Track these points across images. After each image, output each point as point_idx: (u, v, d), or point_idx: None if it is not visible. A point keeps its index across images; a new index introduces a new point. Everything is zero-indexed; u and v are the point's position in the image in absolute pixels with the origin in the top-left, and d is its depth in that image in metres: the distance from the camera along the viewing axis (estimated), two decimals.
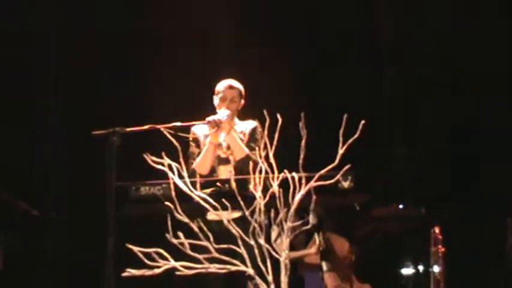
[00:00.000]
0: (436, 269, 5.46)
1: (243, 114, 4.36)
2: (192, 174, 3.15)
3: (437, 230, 5.51)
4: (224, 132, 4.13)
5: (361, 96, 6.66)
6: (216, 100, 4.33)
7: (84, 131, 3.83)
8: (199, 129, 4.28)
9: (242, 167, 3.84)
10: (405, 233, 6.05)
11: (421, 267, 5.94)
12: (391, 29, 6.95)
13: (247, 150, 4.12)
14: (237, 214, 3.14)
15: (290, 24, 6.70)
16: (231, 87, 4.32)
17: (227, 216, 3.09)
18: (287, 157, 3.12)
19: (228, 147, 4.21)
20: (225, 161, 4.21)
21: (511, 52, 6.55)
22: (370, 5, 6.95)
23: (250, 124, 4.31)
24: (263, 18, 6.64)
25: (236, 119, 4.33)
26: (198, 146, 4.26)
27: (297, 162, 3.08)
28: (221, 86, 4.33)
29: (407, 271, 6.37)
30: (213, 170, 4.16)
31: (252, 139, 4.25)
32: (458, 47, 6.67)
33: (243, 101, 4.36)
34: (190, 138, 4.24)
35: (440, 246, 5.48)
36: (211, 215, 3.16)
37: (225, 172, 4.12)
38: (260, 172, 3.12)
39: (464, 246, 6.00)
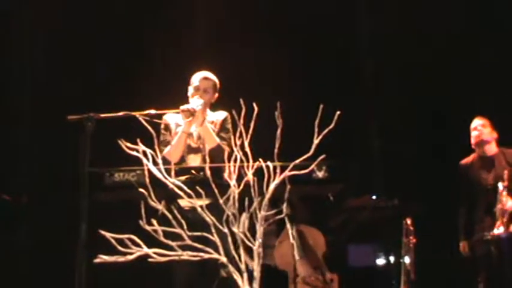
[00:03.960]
0: (407, 259, 5.52)
1: (222, 104, 4.36)
2: (163, 162, 3.13)
3: (409, 222, 5.57)
4: (197, 123, 4.13)
5: (337, 87, 6.69)
6: (190, 90, 4.34)
7: (59, 115, 3.80)
8: (171, 118, 4.28)
9: (214, 157, 3.84)
10: (378, 224, 6.10)
11: (392, 258, 5.99)
12: (368, 20, 6.98)
13: (218, 140, 4.13)
14: (207, 201, 3.14)
15: (268, 15, 6.71)
16: (205, 78, 4.35)
17: (199, 202, 3.09)
18: (262, 146, 3.13)
19: (199, 137, 4.22)
20: (195, 151, 4.22)
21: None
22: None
23: (221, 114, 4.33)
24: (240, 10, 6.63)
25: (208, 110, 4.34)
26: (170, 134, 4.26)
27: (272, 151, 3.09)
28: (196, 76, 4.36)
29: (379, 261, 6.43)
30: (182, 159, 4.17)
31: (223, 129, 4.26)
32: (435, 40, 6.72)
33: (216, 94, 4.37)
34: (162, 126, 4.24)
35: (411, 237, 5.54)
36: (184, 202, 3.16)
37: (194, 161, 4.14)
38: (235, 161, 3.12)
39: (434, 238, 6.07)
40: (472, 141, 5.46)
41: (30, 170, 6.53)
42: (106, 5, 6.59)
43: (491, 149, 5.45)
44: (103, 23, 6.55)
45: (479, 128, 5.43)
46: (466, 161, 5.54)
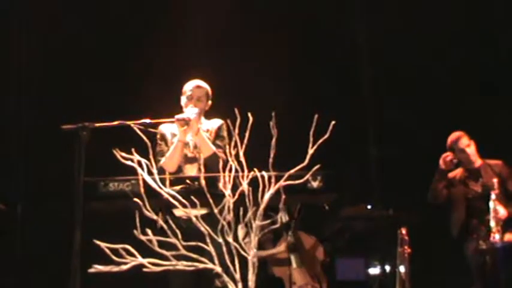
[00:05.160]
0: (402, 269, 5.53)
1: (217, 113, 4.37)
2: (159, 172, 3.13)
3: (404, 231, 5.58)
4: (192, 132, 4.13)
5: (332, 96, 6.69)
6: (183, 99, 4.34)
7: (54, 125, 3.80)
8: (167, 128, 4.28)
9: (210, 165, 3.84)
10: (372, 234, 6.10)
11: (387, 267, 5.99)
12: (365, 29, 7.00)
13: (214, 149, 4.13)
14: (203, 211, 3.14)
15: (262, 22, 6.71)
16: (198, 86, 4.35)
17: (194, 212, 3.09)
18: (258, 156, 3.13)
19: (195, 146, 4.22)
20: (192, 160, 4.21)
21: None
22: (344, 5, 7.00)
23: (216, 122, 4.33)
24: (235, 16, 6.64)
25: (202, 118, 4.34)
26: (166, 144, 4.26)
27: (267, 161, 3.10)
28: (189, 85, 4.36)
29: (374, 271, 6.43)
30: (179, 169, 4.16)
31: (218, 137, 4.26)
32: (431, 49, 6.74)
33: (210, 102, 4.37)
34: (158, 136, 4.24)
35: (406, 247, 5.55)
36: (179, 211, 3.15)
37: (191, 171, 4.14)
38: (230, 170, 3.12)
39: (429, 248, 6.07)
40: (466, 159, 5.58)
41: (25, 180, 6.51)
42: (105, 8, 6.59)
43: (477, 161, 5.61)
44: (101, 26, 6.56)
45: (471, 148, 5.57)
46: (453, 174, 5.65)
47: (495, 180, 5.32)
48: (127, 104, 5.81)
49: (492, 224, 5.18)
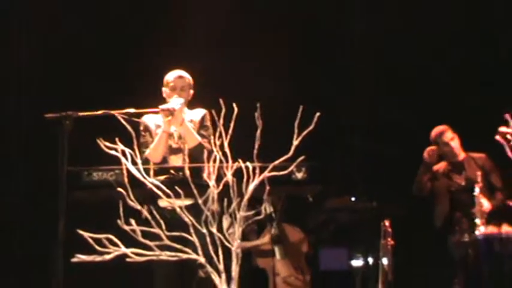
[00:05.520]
0: (384, 261, 5.56)
1: (202, 104, 4.36)
2: (144, 163, 3.12)
3: (387, 223, 5.61)
4: (177, 122, 4.11)
5: (319, 88, 6.70)
6: (166, 91, 4.32)
7: (37, 113, 3.77)
8: (150, 118, 4.26)
9: (195, 155, 3.83)
10: (356, 225, 6.12)
11: (370, 259, 6.02)
12: (351, 20, 6.99)
13: (199, 139, 4.12)
14: (187, 201, 3.13)
15: (251, 14, 6.70)
16: (180, 77, 4.33)
17: (178, 203, 3.08)
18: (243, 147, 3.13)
19: (180, 137, 4.21)
20: (176, 151, 4.20)
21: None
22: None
23: (200, 112, 4.31)
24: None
25: (186, 109, 4.32)
26: (150, 135, 4.24)
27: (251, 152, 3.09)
28: (171, 76, 4.34)
29: (357, 263, 6.45)
30: (164, 160, 4.15)
31: (202, 127, 4.25)
32: (419, 40, 6.75)
33: (192, 91, 4.36)
34: (141, 128, 4.22)
35: (389, 239, 5.58)
36: (163, 202, 3.15)
37: (176, 162, 4.12)
38: (214, 161, 3.11)
39: (412, 240, 6.11)
40: (450, 153, 5.61)
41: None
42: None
43: (461, 154, 5.66)
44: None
45: (455, 141, 5.61)
46: (437, 167, 5.68)
47: (479, 173, 5.36)
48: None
49: (477, 217, 5.22)
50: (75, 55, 6.45)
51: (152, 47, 6.53)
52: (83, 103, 3.71)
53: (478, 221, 5.19)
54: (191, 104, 4.37)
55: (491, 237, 5.08)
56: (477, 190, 5.29)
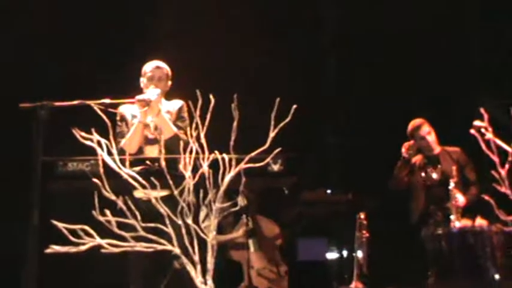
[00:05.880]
0: (359, 253, 5.59)
1: (179, 96, 4.34)
2: (120, 153, 3.10)
3: (362, 216, 5.64)
4: (153, 113, 4.10)
5: (296, 80, 6.71)
6: (143, 81, 4.30)
7: (11, 103, 3.73)
8: (127, 109, 4.24)
9: (171, 146, 3.82)
10: (331, 218, 6.15)
11: (345, 252, 6.05)
12: (332, 17, 7.02)
13: (175, 130, 4.10)
14: (164, 193, 3.12)
15: (230, 6, 6.69)
16: (158, 67, 4.32)
17: (154, 194, 3.08)
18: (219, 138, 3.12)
19: (156, 128, 4.19)
20: (152, 142, 4.19)
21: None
22: None
23: (177, 103, 4.31)
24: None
25: (162, 99, 4.31)
26: (126, 125, 4.22)
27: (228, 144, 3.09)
28: (148, 66, 4.33)
29: (332, 255, 6.49)
30: (140, 151, 4.13)
31: (179, 118, 4.24)
32: (396, 38, 6.79)
33: (169, 83, 4.34)
34: (117, 118, 4.20)
35: (364, 232, 5.61)
36: (139, 193, 3.14)
37: (152, 153, 4.11)
38: (190, 152, 3.11)
39: (387, 233, 6.15)
40: (426, 147, 5.66)
41: None
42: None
43: (436, 148, 5.71)
44: (72, 9, 6.46)
45: (431, 135, 5.65)
46: (414, 159, 5.74)
47: (454, 168, 5.41)
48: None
49: (452, 211, 5.26)
50: (48, 43, 6.40)
51: (131, 36, 6.49)
52: (58, 93, 3.69)
53: (452, 216, 5.25)
54: (169, 95, 4.36)
55: (464, 230, 5.13)
56: (452, 184, 5.34)
